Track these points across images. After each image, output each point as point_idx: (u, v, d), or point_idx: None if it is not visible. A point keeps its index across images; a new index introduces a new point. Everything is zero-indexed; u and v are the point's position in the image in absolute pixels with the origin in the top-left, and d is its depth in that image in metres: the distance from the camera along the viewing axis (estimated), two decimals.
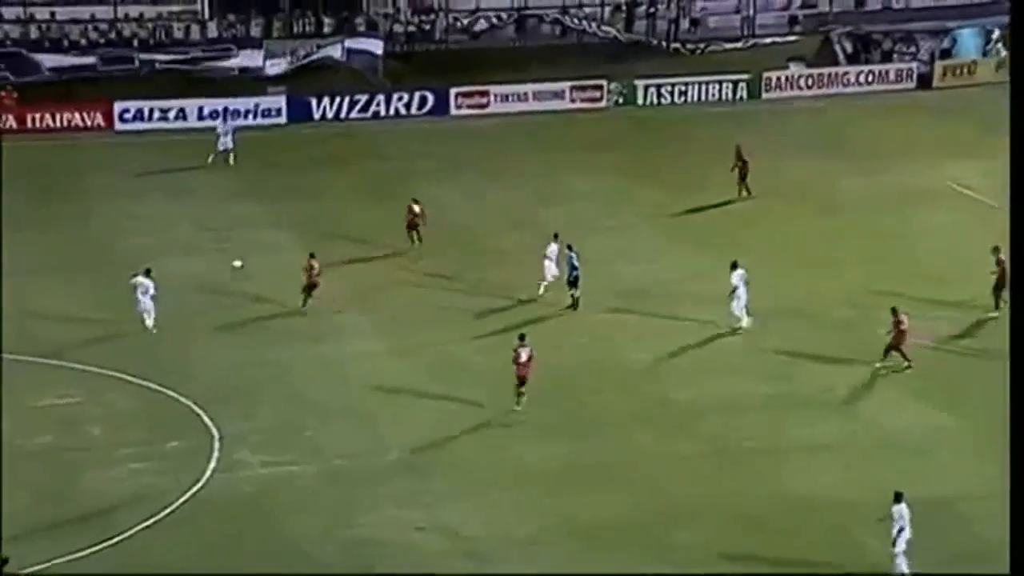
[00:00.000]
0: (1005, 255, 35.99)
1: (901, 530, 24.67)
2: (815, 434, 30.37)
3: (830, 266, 39.90)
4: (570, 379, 33.08)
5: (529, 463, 29.27)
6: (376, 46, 60.15)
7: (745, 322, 35.18)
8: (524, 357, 31.24)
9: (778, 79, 61.03)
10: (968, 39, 63.20)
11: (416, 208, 41.29)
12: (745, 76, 60.55)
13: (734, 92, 60.57)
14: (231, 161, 48.57)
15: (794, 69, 61.75)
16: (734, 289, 35.14)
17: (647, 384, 32.90)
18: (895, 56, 63.04)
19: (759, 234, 42.47)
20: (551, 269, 37.41)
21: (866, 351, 33.43)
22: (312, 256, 37.23)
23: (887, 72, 62.15)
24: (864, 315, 35.30)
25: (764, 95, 60.56)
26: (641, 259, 40.72)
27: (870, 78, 61.95)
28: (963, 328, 35.96)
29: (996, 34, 62.96)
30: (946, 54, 62.96)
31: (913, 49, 62.92)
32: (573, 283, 36.99)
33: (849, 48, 63.17)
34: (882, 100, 59.87)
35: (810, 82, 61.39)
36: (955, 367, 33.90)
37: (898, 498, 24.89)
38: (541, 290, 37.41)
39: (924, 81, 61.92)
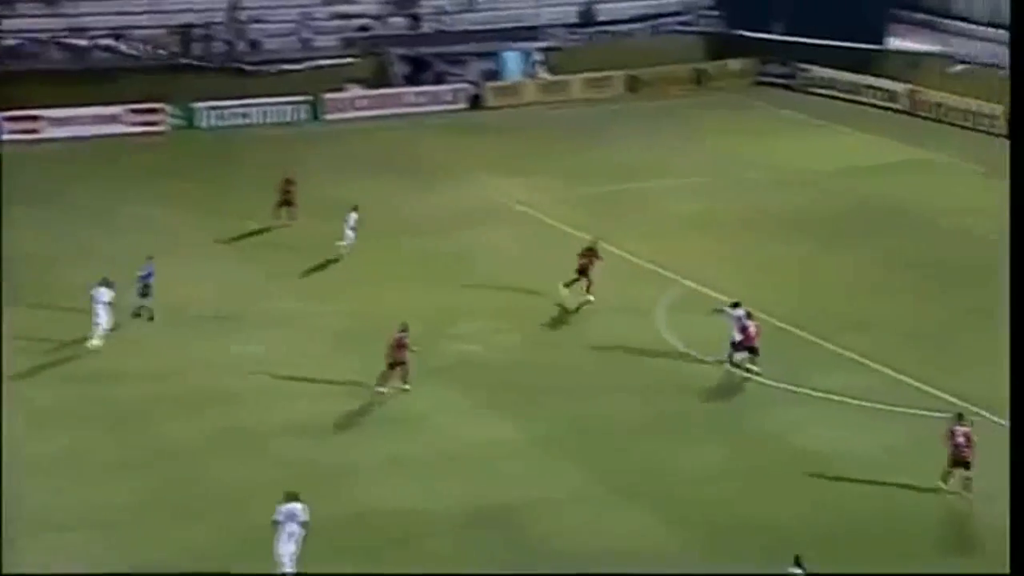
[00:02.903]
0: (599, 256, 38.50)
1: (276, 523, 25.44)
2: (388, 450, 31.15)
3: (395, 284, 40.77)
4: (142, 409, 32.66)
5: (97, 495, 28.80)
6: None
7: (96, 340, 35.55)
8: None
9: (337, 101, 61.90)
10: (512, 61, 66.12)
11: None
12: (305, 98, 61.09)
13: (295, 114, 61.01)
14: None
15: (352, 91, 62.79)
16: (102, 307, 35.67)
17: (218, 409, 32.82)
18: (448, 78, 65.10)
19: (320, 255, 42.83)
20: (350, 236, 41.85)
21: (437, 366, 34.55)
22: None
23: (441, 93, 64.14)
24: (431, 330, 36.33)
25: (325, 116, 61.26)
26: (203, 285, 40.47)
27: (425, 99, 63.72)
28: (536, 335, 37.73)
29: (536, 57, 66.12)
30: (493, 76, 65.56)
31: (463, 71, 65.23)
32: (143, 294, 37.24)
33: (405, 70, 64.77)
34: (438, 120, 61.65)
35: (368, 103, 62.55)
36: (526, 377, 35.19)
37: (288, 498, 25.71)
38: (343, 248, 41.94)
39: (476, 101, 64.21)
